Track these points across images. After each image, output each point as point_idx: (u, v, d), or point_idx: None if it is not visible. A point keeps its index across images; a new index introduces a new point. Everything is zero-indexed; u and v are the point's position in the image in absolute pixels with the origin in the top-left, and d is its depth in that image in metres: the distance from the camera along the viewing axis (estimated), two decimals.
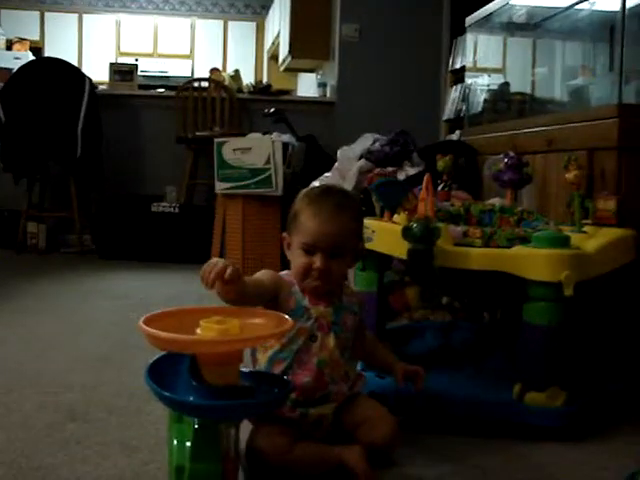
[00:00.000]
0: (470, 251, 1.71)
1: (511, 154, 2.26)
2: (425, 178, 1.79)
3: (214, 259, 1.27)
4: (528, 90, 3.40)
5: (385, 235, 1.83)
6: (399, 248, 1.72)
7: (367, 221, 1.93)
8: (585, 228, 1.93)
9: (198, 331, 1.13)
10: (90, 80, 4.85)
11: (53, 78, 4.75)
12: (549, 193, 2.53)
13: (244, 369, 1.27)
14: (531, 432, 1.68)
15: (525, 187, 2.36)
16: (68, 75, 4.80)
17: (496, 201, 2.29)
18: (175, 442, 1.31)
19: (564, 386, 1.68)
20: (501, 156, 2.31)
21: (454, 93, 5.29)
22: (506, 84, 3.72)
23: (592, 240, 1.80)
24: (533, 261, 1.62)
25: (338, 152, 3.57)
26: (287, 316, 1.25)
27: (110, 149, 5.11)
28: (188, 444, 1.20)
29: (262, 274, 1.51)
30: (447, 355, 2.09)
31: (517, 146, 2.74)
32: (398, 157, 3.29)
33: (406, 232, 1.69)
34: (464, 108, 4.44)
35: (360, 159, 3.37)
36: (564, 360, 1.69)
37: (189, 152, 5.09)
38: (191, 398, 1.13)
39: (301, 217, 1.50)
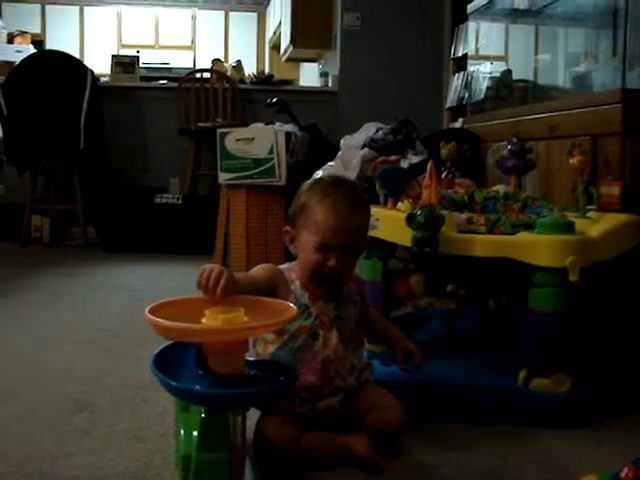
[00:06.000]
0: (474, 238, 1.71)
1: (514, 141, 2.25)
2: (429, 165, 1.79)
3: (208, 266, 1.22)
4: (531, 77, 3.39)
5: (389, 223, 1.83)
6: (403, 236, 1.72)
7: (371, 209, 1.93)
8: (589, 214, 1.93)
9: (203, 320, 1.13)
10: (92, 72, 4.84)
11: (55, 71, 4.75)
12: (553, 179, 2.52)
13: (250, 358, 1.27)
14: (537, 418, 1.68)
15: (529, 173, 2.35)
16: (70, 67, 4.80)
17: (500, 188, 2.29)
18: (182, 432, 1.32)
19: (569, 372, 1.68)
20: (504, 143, 2.30)
21: (456, 81, 5.28)
22: (508, 71, 3.71)
23: (596, 226, 1.80)
24: (538, 247, 1.62)
25: (341, 141, 3.57)
26: (291, 304, 1.25)
27: (113, 141, 5.10)
28: (195, 433, 1.21)
29: (259, 270, 1.47)
30: (452, 342, 2.09)
31: (520, 133, 2.73)
32: (401, 145, 3.29)
33: (410, 219, 1.69)
34: (467, 96, 4.42)
35: (363, 148, 3.37)
36: (570, 346, 1.69)
37: (192, 143, 5.08)
38: (197, 387, 1.13)
39: (313, 213, 1.44)
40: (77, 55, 6.05)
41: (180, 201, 4.71)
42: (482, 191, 2.11)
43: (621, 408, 1.83)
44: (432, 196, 1.76)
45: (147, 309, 1.14)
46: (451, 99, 5.33)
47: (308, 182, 1.55)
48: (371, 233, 1.80)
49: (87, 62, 5.13)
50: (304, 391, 1.45)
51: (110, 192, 4.97)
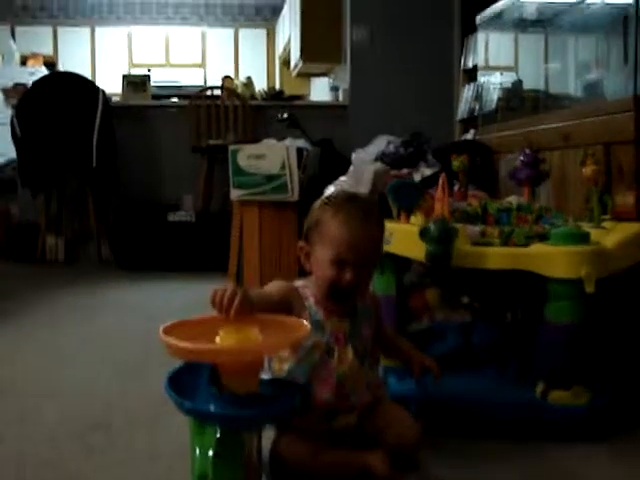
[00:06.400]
0: (488, 251, 1.70)
1: (527, 151, 2.24)
2: (440, 178, 1.78)
3: (221, 287, 1.20)
4: (542, 87, 3.38)
5: (402, 237, 1.82)
6: (417, 250, 1.71)
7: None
8: (604, 224, 1.91)
9: (217, 339, 1.12)
10: (103, 92, 4.88)
11: (67, 91, 4.79)
12: (567, 189, 2.51)
13: (265, 376, 1.27)
14: (556, 432, 1.66)
15: (542, 184, 2.34)
16: (81, 88, 4.84)
17: (513, 199, 2.27)
18: (197, 451, 1.31)
19: (588, 384, 1.66)
20: (517, 154, 2.29)
21: (467, 92, 5.27)
22: (519, 81, 3.70)
23: (611, 235, 1.78)
24: (553, 259, 1.61)
25: (352, 155, 3.56)
26: (305, 321, 1.24)
27: (125, 160, 5.13)
28: (210, 453, 1.20)
29: (273, 287, 1.47)
30: (468, 356, 2.07)
31: (533, 143, 2.72)
32: (413, 158, 3.28)
33: (424, 233, 1.68)
34: (477, 107, 4.41)
35: (375, 161, 3.36)
36: (587, 358, 1.67)
37: (204, 160, 5.09)
38: (212, 407, 1.12)
39: (327, 228, 1.44)
40: (89, 75, 6.12)
41: (193, 219, 4.72)
42: (495, 203, 2.10)
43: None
44: (444, 209, 1.75)
45: (161, 329, 1.13)
46: (462, 111, 5.32)
47: (322, 198, 1.55)
48: (385, 248, 1.80)
49: (99, 82, 5.18)
50: (320, 408, 1.44)
51: (123, 210, 4.99)
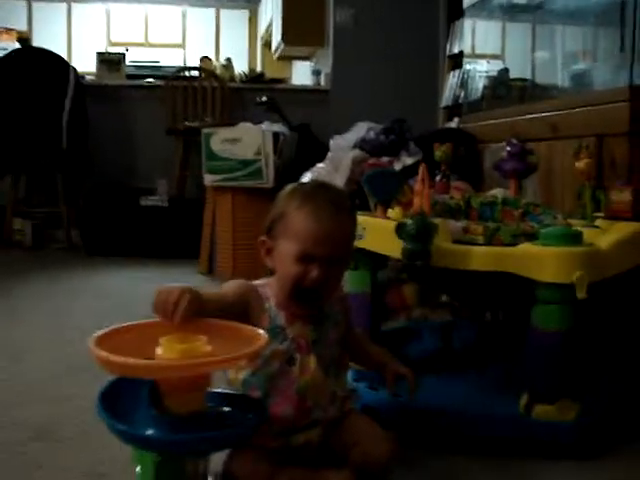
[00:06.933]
0: (471, 250, 1.55)
1: (514, 142, 2.09)
2: (420, 169, 1.64)
3: (165, 288, 1.07)
4: (530, 75, 3.24)
5: (377, 232, 1.67)
6: (392, 246, 1.57)
7: (357, 217, 1.77)
8: (597, 222, 1.77)
9: (158, 351, 0.97)
10: (75, 70, 4.69)
11: (36, 68, 4.60)
12: (554, 183, 2.38)
13: (216, 389, 1.11)
14: (540, 449, 1.52)
15: (529, 177, 2.20)
16: (52, 65, 4.65)
17: (498, 192, 2.14)
18: (138, 469, 1.17)
19: (576, 398, 1.53)
20: (503, 144, 2.15)
21: (452, 79, 5.12)
22: (505, 70, 3.58)
23: (606, 236, 1.64)
24: (542, 261, 1.47)
25: (331, 142, 3.42)
26: (261, 330, 1.09)
27: (98, 141, 4.95)
28: (150, 474, 1.05)
29: (229, 287, 1.32)
30: (447, 358, 1.94)
31: (519, 133, 2.59)
32: (394, 146, 3.14)
33: (400, 230, 1.53)
34: (462, 95, 4.28)
35: (354, 149, 3.22)
36: (576, 368, 1.54)
37: (179, 143, 4.92)
38: (150, 431, 0.96)
39: (292, 220, 1.30)
40: (65, 53, 5.90)
41: (166, 203, 4.56)
42: (479, 196, 1.96)
43: (635, 438, 1.67)
44: (424, 203, 1.60)
45: (92, 338, 0.98)
46: (446, 98, 5.18)
47: (288, 187, 1.41)
48: (357, 243, 1.65)
49: (75, 60, 5.01)
50: (278, 423, 1.28)
51: (94, 194, 4.80)
